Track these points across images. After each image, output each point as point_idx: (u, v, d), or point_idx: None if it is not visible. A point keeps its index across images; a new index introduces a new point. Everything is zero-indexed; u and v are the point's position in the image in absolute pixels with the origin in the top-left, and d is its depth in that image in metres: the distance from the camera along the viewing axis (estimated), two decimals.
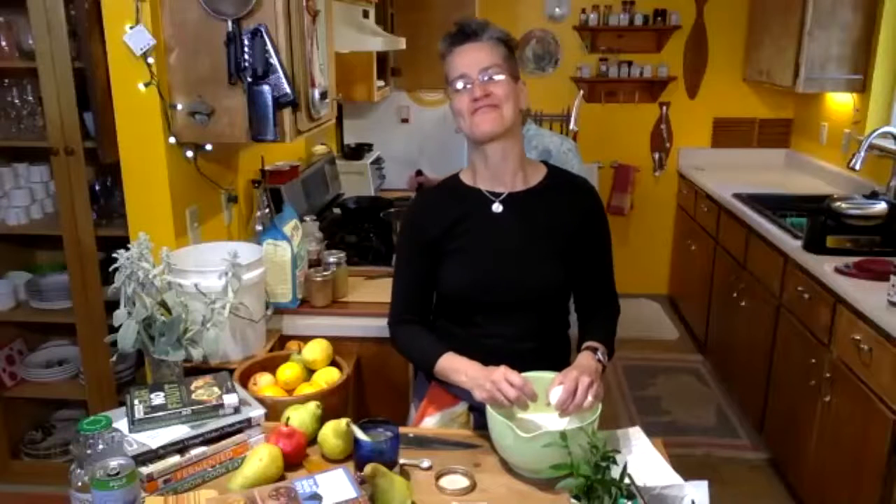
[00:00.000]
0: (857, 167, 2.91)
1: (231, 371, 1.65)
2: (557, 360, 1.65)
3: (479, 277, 1.58)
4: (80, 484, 1.18)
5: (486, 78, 1.50)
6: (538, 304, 1.60)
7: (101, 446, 1.20)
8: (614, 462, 1.19)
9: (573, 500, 1.17)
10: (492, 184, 1.60)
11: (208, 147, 2.12)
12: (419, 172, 3.23)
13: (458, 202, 1.61)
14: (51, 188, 2.66)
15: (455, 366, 1.53)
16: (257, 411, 1.44)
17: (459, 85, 1.52)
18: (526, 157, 1.63)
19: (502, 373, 1.41)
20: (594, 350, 1.55)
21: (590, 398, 1.40)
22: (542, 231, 1.58)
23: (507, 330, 1.59)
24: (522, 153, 1.61)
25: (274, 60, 1.88)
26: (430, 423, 1.66)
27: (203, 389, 1.44)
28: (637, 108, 4.74)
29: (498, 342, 1.59)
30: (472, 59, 1.52)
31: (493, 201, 1.59)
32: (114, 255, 1.60)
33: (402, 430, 1.45)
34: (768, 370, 3.07)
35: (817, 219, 2.71)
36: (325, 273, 2.16)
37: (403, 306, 1.68)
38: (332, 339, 1.83)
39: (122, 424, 1.36)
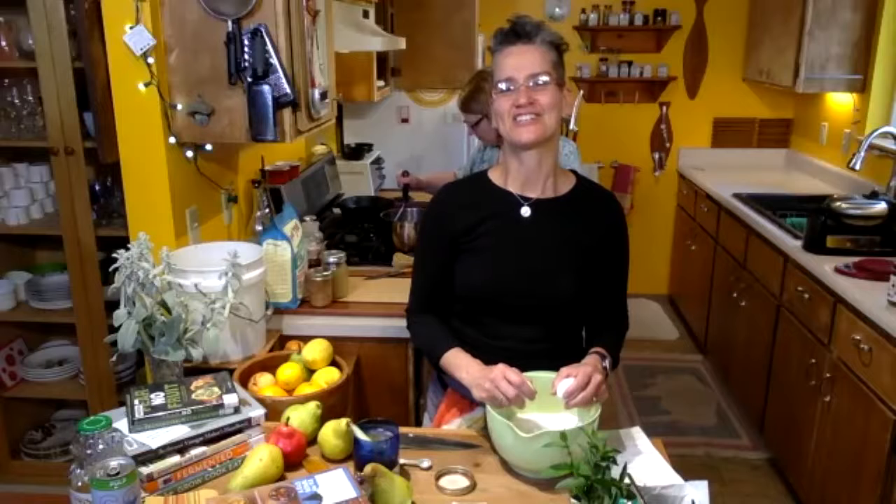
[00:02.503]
0: (857, 167, 2.91)
1: (231, 371, 1.65)
2: (570, 362, 1.65)
3: (496, 279, 1.56)
4: (80, 484, 1.18)
5: (532, 84, 1.47)
6: (552, 311, 1.59)
7: (101, 446, 1.20)
8: (614, 462, 1.19)
9: (573, 500, 1.17)
10: (522, 188, 1.58)
11: (208, 147, 2.12)
12: (405, 173, 3.22)
13: (486, 200, 1.59)
14: (51, 188, 2.66)
15: (458, 362, 1.53)
16: (257, 411, 1.44)
17: (504, 87, 1.49)
18: (557, 164, 1.61)
19: (501, 371, 1.40)
20: (602, 357, 1.54)
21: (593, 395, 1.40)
22: (565, 241, 1.57)
23: (519, 332, 1.59)
24: (556, 160, 1.60)
25: (274, 60, 1.88)
26: (450, 428, 1.65)
27: (203, 389, 1.44)
28: (637, 108, 4.74)
29: (510, 344, 1.58)
30: (521, 63, 1.48)
31: (523, 205, 1.57)
32: (114, 255, 1.60)
33: (402, 430, 1.45)
34: (768, 370, 3.07)
35: (817, 219, 2.71)
36: (325, 273, 2.16)
37: (422, 297, 1.68)
38: (332, 339, 1.82)
39: (122, 424, 1.36)
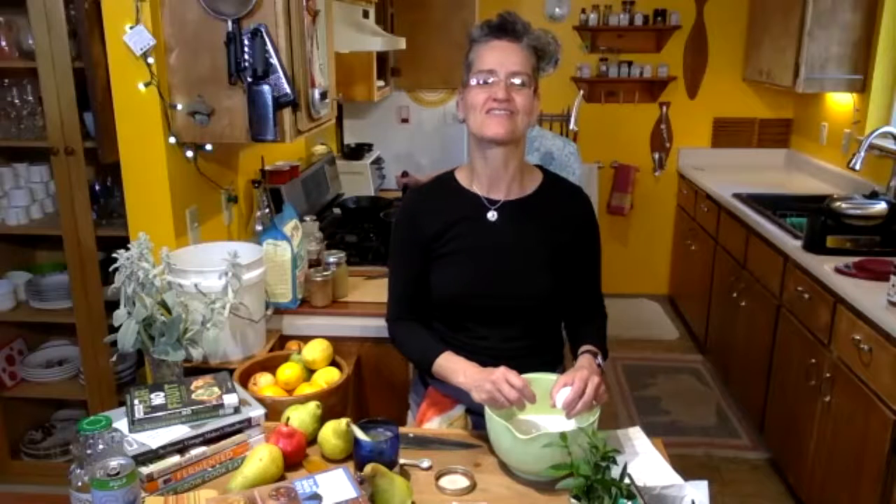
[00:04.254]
0: (857, 167, 2.91)
1: (231, 371, 1.65)
2: (551, 357, 1.66)
3: (470, 284, 1.57)
4: (80, 484, 1.18)
5: (510, 82, 1.47)
6: (529, 310, 1.60)
7: (101, 446, 1.20)
8: (614, 462, 1.19)
9: (573, 500, 1.17)
10: (488, 189, 1.58)
11: (208, 147, 2.12)
12: (405, 173, 3.23)
13: (452, 204, 1.60)
14: (51, 188, 2.66)
15: (453, 366, 1.52)
16: (257, 411, 1.44)
17: (482, 79, 1.48)
18: (524, 163, 1.62)
19: (502, 373, 1.40)
20: (594, 355, 1.54)
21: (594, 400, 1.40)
22: (535, 241, 1.57)
23: (499, 333, 1.59)
24: (522, 160, 1.60)
25: (274, 60, 1.88)
26: (430, 427, 1.66)
27: (203, 389, 1.44)
28: (637, 108, 4.74)
29: (491, 344, 1.59)
30: (504, 59, 1.47)
31: (489, 209, 1.57)
32: (114, 255, 1.60)
33: (402, 430, 1.45)
34: (768, 370, 3.07)
35: (817, 219, 2.71)
36: (325, 273, 2.17)
37: (400, 303, 1.68)
38: (332, 339, 1.82)
39: (122, 424, 1.36)
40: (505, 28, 1.49)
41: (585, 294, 1.68)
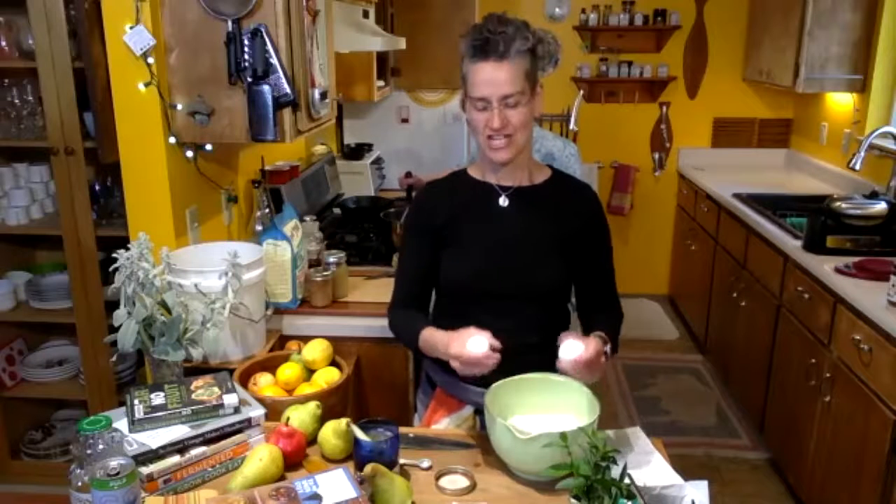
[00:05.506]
0: (857, 167, 2.91)
1: (231, 371, 1.65)
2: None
3: (480, 268, 1.58)
4: (80, 484, 1.18)
5: (503, 104, 1.48)
6: (538, 299, 1.61)
7: (101, 446, 1.20)
8: (614, 462, 1.19)
9: (573, 500, 1.17)
10: (499, 179, 1.62)
11: (208, 147, 2.12)
12: (409, 174, 3.23)
13: (465, 193, 1.63)
14: (51, 188, 2.66)
15: (432, 341, 1.54)
16: (257, 411, 1.44)
17: (479, 105, 1.50)
18: (531, 159, 1.65)
19: (458, 353, 1.42)
20: (603, 340, 1.53)
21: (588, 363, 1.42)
22: (545, 227, 1.60)
23: (507, 324, 1.59)
24: (530, 156, 1.64)
25: (274, 60, 1.88)
26: (438, 428, 1.66)
27: (203, 389, 1.44)
28: (637, 108, 4.74)
29: (498, 336, 1.58)
30: (493, 83, 1.46)
31: (501, 194, 1.60)
32: (114, 255, 1.60)
33: (402, 430, 1.45)
34: (768, 370, 3.07)
35: (817, 219, 2.71)
36: (325, 273, 2.17)
37: (403, 295, 1.70)
38: (332, 339, 1.83)
39: (122, 424, 1.36)
40: (487, 50, 1.46)
41: (599, 292, 1.69)
